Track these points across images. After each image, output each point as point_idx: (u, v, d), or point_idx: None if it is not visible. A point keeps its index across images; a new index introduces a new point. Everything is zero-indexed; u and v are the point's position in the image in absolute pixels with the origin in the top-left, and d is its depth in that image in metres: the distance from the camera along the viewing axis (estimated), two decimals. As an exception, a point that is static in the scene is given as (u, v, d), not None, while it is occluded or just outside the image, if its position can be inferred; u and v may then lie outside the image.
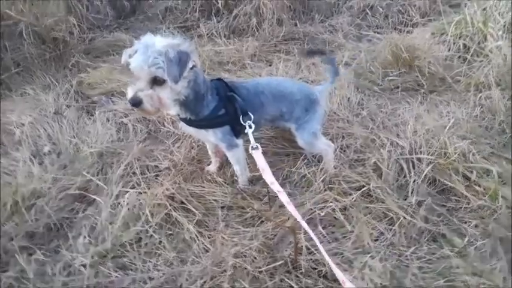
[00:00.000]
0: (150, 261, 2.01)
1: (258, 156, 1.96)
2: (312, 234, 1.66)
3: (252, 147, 2.00)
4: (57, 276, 1.97)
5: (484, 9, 3.85)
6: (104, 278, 1.94)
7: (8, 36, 3.75)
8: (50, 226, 2.24)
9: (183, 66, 1.84)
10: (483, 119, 2.87)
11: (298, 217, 1.71)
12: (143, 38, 1.89)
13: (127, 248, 2.06)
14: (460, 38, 3.75)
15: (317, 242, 1.64)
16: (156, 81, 1.85)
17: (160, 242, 2.08)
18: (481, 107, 2.95)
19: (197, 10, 4.88)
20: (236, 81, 2.31)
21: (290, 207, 1.74)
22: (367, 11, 4.82)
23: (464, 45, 3.69)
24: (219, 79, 2.24)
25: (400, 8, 4.67)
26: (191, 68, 1.90)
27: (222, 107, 2.12)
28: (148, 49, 1.81)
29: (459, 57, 3.61)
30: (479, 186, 2.21)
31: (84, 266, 1.99)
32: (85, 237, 2.14)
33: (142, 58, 1.81)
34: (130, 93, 1.86)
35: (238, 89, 2.19)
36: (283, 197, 1.79)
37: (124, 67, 1.98)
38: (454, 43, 3.74)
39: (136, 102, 1.85)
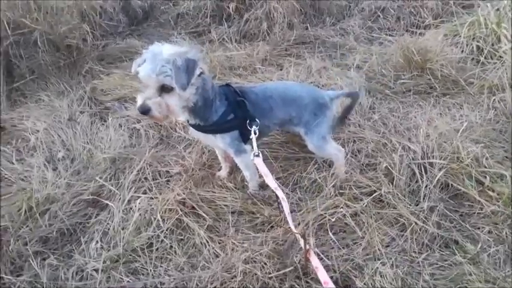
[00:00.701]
0: (161, 266, 2.03)
1: (259, 163, 1.99)
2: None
3: (254, 154, 2.03)
4: (70, 280, 2.01)
5: (498, 9, 3.80)
6: (115, 283, 1.97)
7: (23, 44, 3.82)
8: (63, 231, 2.28)
9: (191, 73, 1.88)
10: (497, 122, 2.83)
11: (291, 224, 1.76)
12: (151, 47, 1.93)
13: (138, 253, 2.09)
14: (473, 39, 3.70)
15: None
16: (164, 89, 1.89)
17: (171, 247, 2.10)
18: (495, 110, 2.91)
19: (208, 15, 4.91)
20: (244, 86, 2.32)
21: (287, 213, 1.79)
22: (379, 13, 4.79)
23: (478, 47, 3.64)
24: (227, 85, 2.25)
25: (412, 10, 4.63)
26: (199, 75, 1.93)
27: (231, 112, 2.13)
28: (156, 58, 1.85)
29: (472, 59, 3.56)
30: (492, 191, 2.17)
31: (97, 270, 2.02)
32: (97, 242, 2.17)
33: (150, 67, 1.85)
34: (139, 101, 1.90)
35: (247, 94, 2.20)
36: (285, 205, 1.82)
37: (134, 76, 2.02)
38: (467, 45, 3.69)
39: (145, 110, 1.88)
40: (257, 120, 2.13)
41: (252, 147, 2.11)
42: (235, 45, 4.23)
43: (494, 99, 2.97)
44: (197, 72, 1.90)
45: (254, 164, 2.27)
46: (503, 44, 3.53)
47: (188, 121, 2.16)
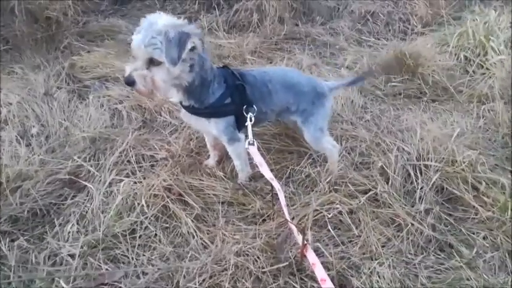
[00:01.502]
0: (144, 255, 1.88)
1: (254, 151, 1.89)
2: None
3: (248, 142, 1.92)
4: (41, 265, 1.84)
5: (486, 23, 3.86)
6: (93, 270, 1.80)
7: (-2, 11, 3.56)
8: (35, 211, 2.09)
9: (182, 47, 1.72)
10: (486, 130, 2.84)
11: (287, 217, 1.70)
12: (149, 16, 1.78)
13: (119, 239, 1.93)
14: (461, 50, 3.74)
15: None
16: (152, 62, 1.76)
17: (156, 235, 1.96)
18: (484, 119, 2.92)
19: (197, 2, 4.75)
20: (242, 69, 2.21)
21: (283, 205, 1.72)
22: (368, 17, 4.78)
23: (466, 57, 3.69)
24: (225, 66, 2.14)
25: (402, 16, 4.65)
26: (191, 50, 1.77)
27: (229, 95, 2.01)
28: (149, 28, 1.72)
29: (461, 68, 3.60)
30: (487, 197, 2.16)
31: (72, 256, 1.86)
32: (73, 225, 2.00)
33: (141, 37, 1.72)
34: (126, 72, 1.77)
35: (245, 77, 2.09)
36: (281, 196, 1.74)
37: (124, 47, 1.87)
38: (455, 54, 3.74)
39: (129, 82, 1.77)
40: (254, 106, 2.03)
41: (246, 136, 2.01)
42: (224, 34, 4.11)
43: (484, 108, 2.99)
44: (188, 46, 1.74)
45: (246, 154, 2.17)
46: (490, 56, 3.58)
47: (181, 103, 2.02)
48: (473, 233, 2.03)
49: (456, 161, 2.30)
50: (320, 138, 2.26)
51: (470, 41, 3.76)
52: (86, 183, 2.20)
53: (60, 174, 2.27)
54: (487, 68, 3.47)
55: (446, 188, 2.23)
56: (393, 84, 3.38)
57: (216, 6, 4.61)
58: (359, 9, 4.85)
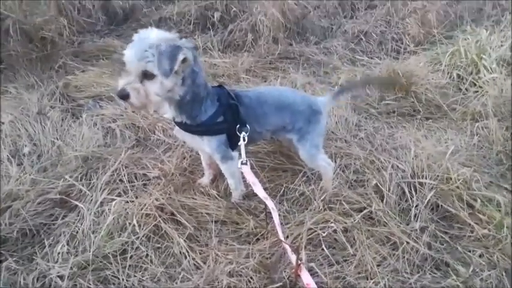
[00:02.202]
0: (135, 276, 1.84)
1: (247, 171, 1.88)
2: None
3: (241, 162, 1.92)
4: (30, 287, 1.79)
5: (477, 41, 3.91)
6: (82, 292, 1.76)
7: (-7, 31, 3.57)
8: (25, 232, 2.06)
9: (174, 59, 1.73)
10: (480, 148, 2.83)
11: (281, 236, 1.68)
12: (141, 31, 1.79)
13: (110, 260, 1.89)
14: (454, 68, 3.78)
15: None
16: (146, 75, 1.75)
17: (147, 255, 1.93)
18: (478, 136, 2.92)
19: (192, 22, 4.81)
20: (238, 90, 2.21)
21: (277, 224, 1.71)
22: (361, 36, 4.84)
23: (458, 75, 3.71)
24: (220, 86, 2.14)
25: (394, 36, 4.71)
26: (182, 62, 1.77)
27: (221, 114, 2.01)
28: (141, 42, 1.73)
29: (454, 86, 3.62)
30: (483, 214, 2.14)
31: (61, 277, 1.81)
32: (64, 245, 1.96)
33: (133, 51, 1.72)
34: (119, 86, 1.77)
35: (241, 98, 2.08)
36: (275, 215, 1.72)
37: (119, 66, 1.87)
38: (448, 73, 3.76)
39: (123, 95, 1.76)
40: (247, 126, 2.02)
41: (240, 154, 2.00)
42: (219, 53, 4.14)
43: (478, 126, 3.00)
44: (180, 58, 1.74)
45: (240, 173, 2.16)
46: (482, 74, 3.62)
47: (174, 118, 2.02)
48: (470, 251, 2.00)
49: (451, 179, 2.29)
50: (315, 156, 2.25)
51: (463, 59, 3.79)
52: (77, 203, 2.17)
53: (51, 193, 2.24)
54: (480, 86, 3.50)
55: (442, 206, 2.21)
56: (387, 102, 3.39)
57: (210, 26, 4.67)
58: (352, 28, 4.91)
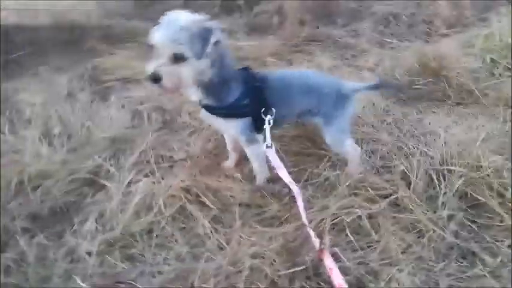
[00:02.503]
0: (160, 255, 1.88)
1: (272, 154, 1.89)
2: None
3: (266, 145, 1.92)
4: (59, 262, 1.85)
5: (513, 24, 3.75)
6: (110, 268, 1.81)
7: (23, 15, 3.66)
8: (55, 209, 2.13)
9: (206, 42, 1.74)
10: (513, 135, 2.74)
11: (305, 220, 1.70)
12: (169, 14, 1.78)
13: (136, 238, 1.94)
14: (487, 52, 3.64)
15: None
16: (177, 58, 1.75)
17: (173, 234, 1.96)
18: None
19: (218, 5, 4.79)
20: (263, 71, 2.20)
21: (301, 208, 1.72)
22: (391, 18, 4.71)
23: (492, 60, 3.58)
24: (246, 68, 2.13)
25: (425, 18, 4.57)
26: (214, 44, 1.78)
27: (247, 96, 2.00)
28: (171, 24, 1.72)
29: (487, 70, 3.49)
30: (514, 204, 2.07)
31: (90, 253, 1.86)
32: (92, 223, 2.02)
33: (164, 33, 1.72)
34: (150, 69, 1.76)
35: (266, 79, 2.07)
36: (299, 200, 1.74)
37: (146, 49, 1.88)
38: (481, 57, 3.63)
39: (156, 78, 1.75)
40: (273, 109, 2.01)
41: (265, 138, 1.99)
42: (245, 36, 4.11)
43: (511, 112, 2.89)
44: (212, 40, 1.75)
45: (265, 156, 2.15)
46: (517, 58, 3.47)
47: (200, 101, 2.02)
48: (498, 241, 1.94)
49: (481, 167, 2.21)
50: (342, 141, 2.22)
51: (497, 43, 3.65)
52: (106, 183, 2.23)
53: (81, 173, 2.30)
54: (515, 71, 3.37)
55: (471, 194, 2.14)
56: (416, 86, 3.30)
57: (236, 8, 4.64)
58: (381, 10, 4.80)
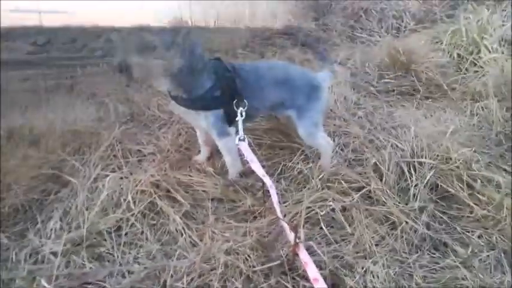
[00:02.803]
0: (130, 253, 1.80)
1: (245, 147, 1.86)
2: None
3: (239, 138, 1.89)
4: (23, 263, 1.74)
5: (479, 21, 3.85)
6: (76, 269, 1.72)
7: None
8: (16, 207, 2.00)
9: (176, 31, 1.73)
10: (480, 128, 2.82)
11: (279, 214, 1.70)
12: None
13: (104, 237, 1.84)
14: (454, 47, 3.73)
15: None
16: (146, 48, 1.72)
17: (143, 232, 1.88)
18: (478, 117, 2.89)
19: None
20: (235, 63, 2.15)
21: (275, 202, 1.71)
22: (361, 13, 4.75)
23: (459, 55, 3.67)
24: (218, 58, 2.07)
25: (395, 13, 4.63)
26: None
27: (219, 87, 1.95)
28: None
29: (454, 65, 3.58)
30: (482, 195, 2.12)
31: (55, 253, 1.76)
32: (57, 222, 1.91)
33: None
34: (118, 59, 1.72)
35: (238, 71, 2.02)
36: (273, 193, 1.73)
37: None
38: (448, 52, 3.72)
39: (122, 68, 1.72)
40: (245, 101, 1.97)
41: (237, 131, 1.95)
42: (215, 27, 4.05)
43: (478, 106, 2.97)
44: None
45: (237, 150, 2.11)
46: (483, 54, 3.57)
47: (170, 93, 1.96)
48: (468, 232, 1.98)
49: (451, 159, 2.26)
50: (315, 134, 2.20)
51: (463, 38, 3.75)
52: (70, 178, 2.12)
53: (43, 168, 2.18)
54: (481, 66, 3.47)
55: (441, 186, 2.18)
56: (386, 80, 3.34)
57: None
58: (351, 5, 4.82)
